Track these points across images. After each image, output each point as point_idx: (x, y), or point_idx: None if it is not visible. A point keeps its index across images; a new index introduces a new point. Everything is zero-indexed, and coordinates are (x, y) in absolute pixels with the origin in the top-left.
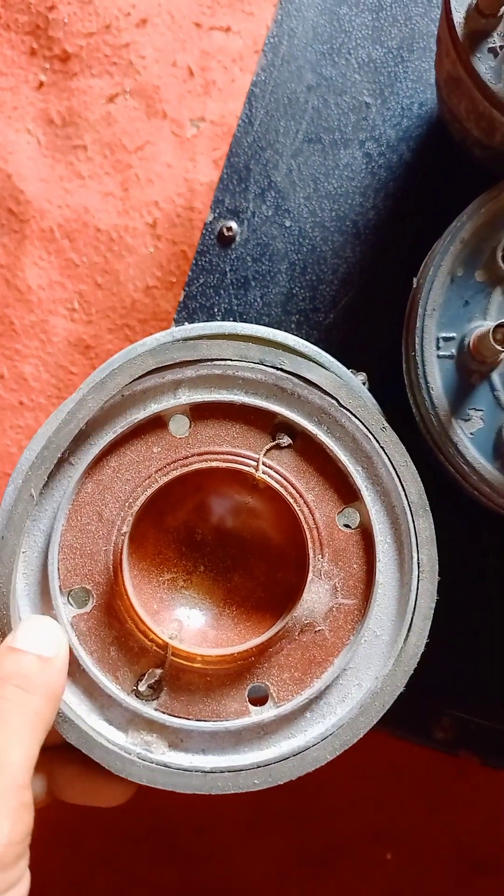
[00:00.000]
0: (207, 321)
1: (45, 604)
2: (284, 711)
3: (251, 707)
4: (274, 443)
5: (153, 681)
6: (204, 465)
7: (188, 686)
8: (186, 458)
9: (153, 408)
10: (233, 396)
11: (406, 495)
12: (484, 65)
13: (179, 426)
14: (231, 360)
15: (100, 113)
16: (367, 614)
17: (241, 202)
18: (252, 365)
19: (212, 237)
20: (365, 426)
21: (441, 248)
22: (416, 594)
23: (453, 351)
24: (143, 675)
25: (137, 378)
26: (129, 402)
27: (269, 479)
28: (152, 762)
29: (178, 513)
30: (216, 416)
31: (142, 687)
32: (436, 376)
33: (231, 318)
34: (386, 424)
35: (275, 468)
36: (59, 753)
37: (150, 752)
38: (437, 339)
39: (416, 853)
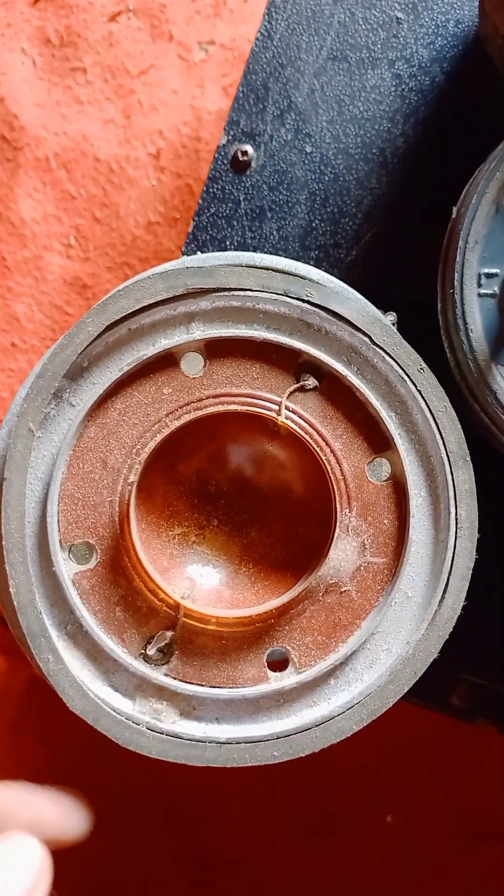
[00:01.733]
0: None
1: (43, 559)
2: (307, 678)
3: (270, 673)
4: (298, 385)
5: (163, 644)
6: (220, 408)
7: (202, 650)
8: (200, 400)
9: (163, 343)
10: (253, 332)
11: (444, 444)
12: None
13: (193, 365)
14: (252, 290)
15: (101, 33)
16: (398, 574)
17: (257, 124)
18: (275, 296)
19: (225, 162)
20: (400, 366)
21: (485, 173)
22: (454, 552)
23: (496, 289)
24: (153, 637)
25: (145, 308)
26: (136, 336)
27: (292, 426)
28: (162, 732)
29: (190, 461)
30: (234, 353)
31: (151, 650)
32: (475, 317)
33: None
34: (424, 365)
35: (299, 413)
36: None
37: (160, 721)
38: (479, 275)
39: (417, 820)
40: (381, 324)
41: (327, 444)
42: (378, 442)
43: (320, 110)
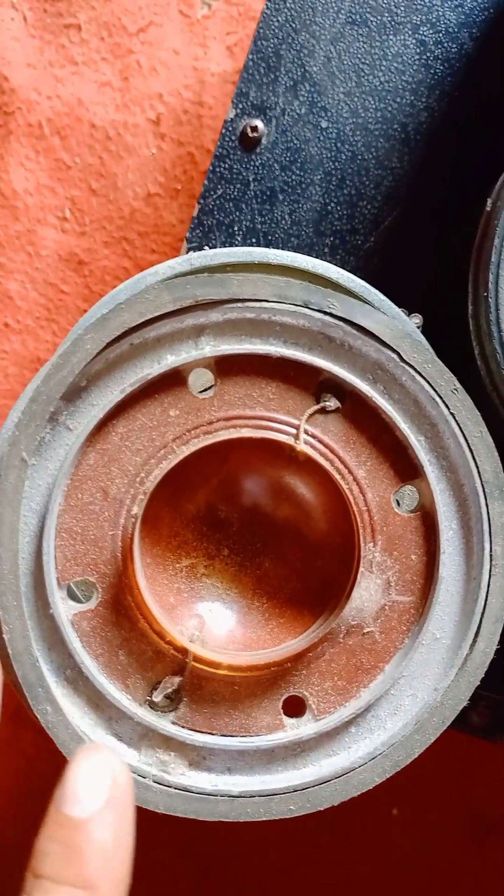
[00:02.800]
0: (226, 241)
1: (39, 599)
2: (326, 727)
3: (286, 719)
4: (318, 406)
5: (170, 690)
6: (232, 434)
7: (212, 696)
8: (210, 423)
9: (170, 360)
10: (268, 347)
11: (479, 473)
12: None
13: (202, 384)
14: (268, 300)
15: None
16: (426, 614)
17: (268, 96)
18: (293, 308)
19: (233, 139)
20: (432, 386)
21: None
22: (487, 592)
23: None
24: (159, 683)
25: (150, 321)
26: (140, 351)
27: (311, 452)
28: (170, 785)
29: (198, 489)
30: (247, 371)
31: (157, 697)
32: None
33: (253, 238)
34: (458, 385)
35: (319, 437)
36: None
37: (168, 773)
38: None
39: (424, 812)
40: (411, 339)
41: (350, 471)
42: (405, 469)
43: (337, 81)
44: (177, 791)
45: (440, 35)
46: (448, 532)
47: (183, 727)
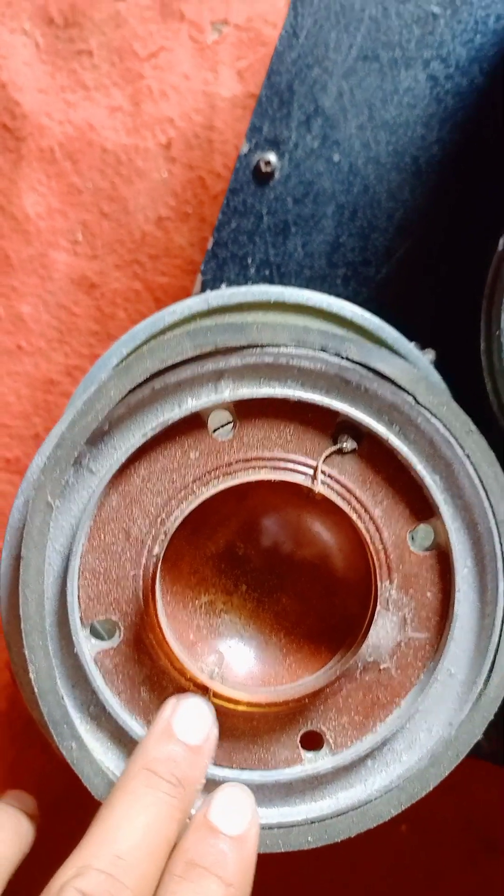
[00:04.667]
0: (240, 273)
1: (63, 638)
2: (343, 761)
3: (304, 753)
4: (336, 447)
5: None
6: (251, 477)
7: (231, 731)
8: (230, 464)
9: (190, 404)
10: (287, 391)
11: (494, 513)
12: None
13: (221, 426)
14: (286, 346)
15: (107, 12)
16: (441, 651)
17: (282, 131)
18: (311, 353)
19: (246, 173)
20: (447, 428)
21: None
22: (501, 630)
23: None
24: None
25: (168, 368)
26: (161, 395)
27: (328, 493)
28: (191, 817)
29: (217, 528)
30: (266, 414)
31: None
32: None
33: (266, 270)
34: (473, 427)
35: (335, 477)
36: None
37: None
38: None
39: (426, 829)
40: (426, 382)
41: (367, 510)
42: (421, 508)
43: (349, 115)
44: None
45: (451, 70)
46: (463, 570)
47: None
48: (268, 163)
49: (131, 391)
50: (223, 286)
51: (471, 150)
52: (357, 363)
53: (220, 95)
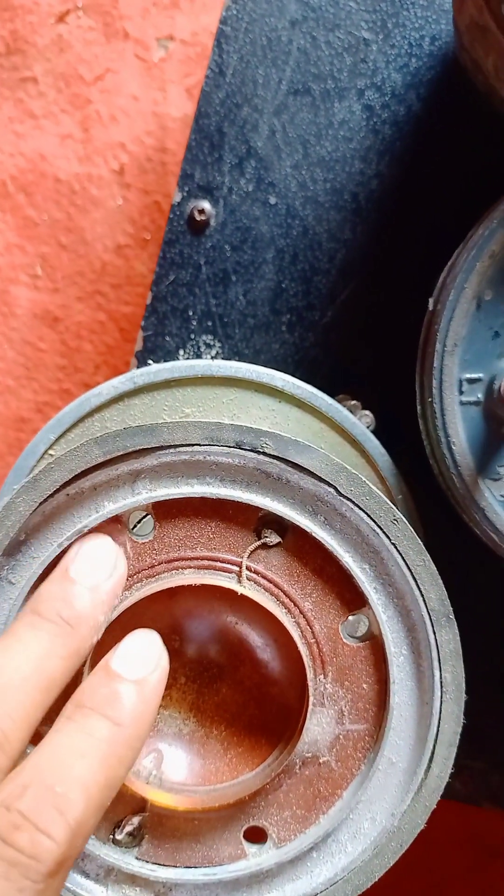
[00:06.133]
0: (182, 327)
1: None
2: (287, 855)
3: (248, 847)
4: (259, 542)
5: (132, 828)
6: (175, 579)
7: (173, 831)
8: (152, 566)
9: (108, 508)
10: (205, 489)
11: (425, 601)
12: None
13: (142, 528)
14: (200, 445)
15: (49, 36)
16: (381, 741)
17: (214, 176)
18: (227, 450)
19: (181, 223)
20: (372, 518)
21: (464, 263)
22: (440, 718)
23: (479, 396)
24: (121, 821)
25: (81, 474)
26: (77, 501)
27: (252, 595)
28: None
29: (150, 626)
30: (186, 513)
31: (119, 835)
32: (458, 428)
33: (209, 321)
34: (398, 516)
35: (262, 573)
36: None
37: None
38: (460, 381)
39: (428, 837)
40: (346, 472)
41: (296, 604)
42: (352, 598)
43: (283, 154)
44: None
45: (387, 98)
46: (399, 658)
47: (147, 861)
48: (202, 211)
49: (44, 502)
50: (167, 339)
51: (411, 181)
52: (275, 457)
53: (170, 116)
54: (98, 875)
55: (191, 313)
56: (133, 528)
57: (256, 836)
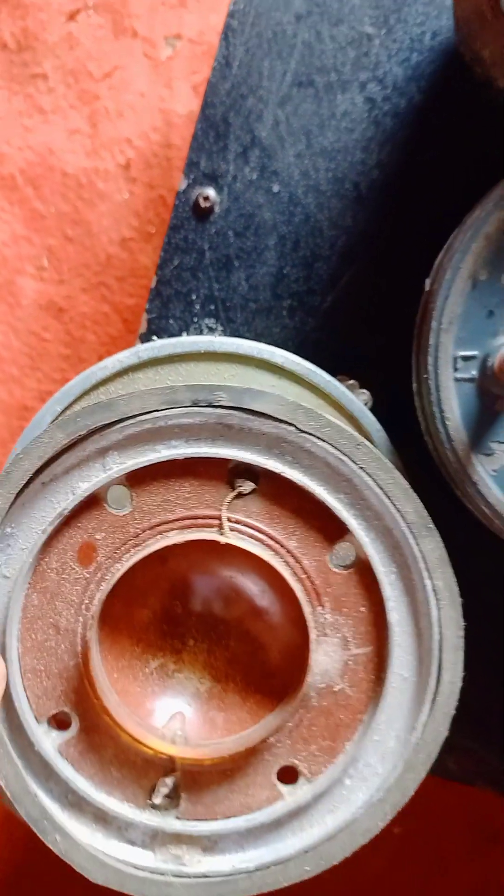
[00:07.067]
0: (185, 310)
1: (22, 740)
2: (321, 787)
3: (282, 788)
4: (235, 492)
5: (168, 790)
6: (161, 542)
7: (208, 784)
8: (137, 535)
9: (82, 488)
10: (172, 451)
11: (403, 516)
12: None
13: (119, 501)
14: (159, 409)
15: (60, 34)
16: (388, 659)
17: (219, 164)
18: (185, 410)
19: (186, 209)
20: (336, 447)
21: (460, 244)
22: (440, 625)
23: (474, 373)
24: (155, 786)
25: (50, 460)
26: (52, 485)
27: (235, 541)
28: (190, 876)
29: (147, 595)
30: (158, 477)
31: (157, 799)
32: (453, 404)
33: (212, 305)
34: (360, 440)
35: (243, 521)
36: None
37: (185, 864)
38: (455, 358)
39: (427, 825)
40: (303, 409)
41: (281, 545)
42: (334, 529)
43: (287, 144)
44: (197, 880)
45: (388, 90)
46: (389, 576)
47: (188, 819)
48: (206, 198)
49: (19, 494)
50: (170, 322)
51: (411, 170)
52: (231, 408)
53: (176, 112)
54: (144, 841)
55: (194, 297)
56: (111, 504)
57: (289, 776)
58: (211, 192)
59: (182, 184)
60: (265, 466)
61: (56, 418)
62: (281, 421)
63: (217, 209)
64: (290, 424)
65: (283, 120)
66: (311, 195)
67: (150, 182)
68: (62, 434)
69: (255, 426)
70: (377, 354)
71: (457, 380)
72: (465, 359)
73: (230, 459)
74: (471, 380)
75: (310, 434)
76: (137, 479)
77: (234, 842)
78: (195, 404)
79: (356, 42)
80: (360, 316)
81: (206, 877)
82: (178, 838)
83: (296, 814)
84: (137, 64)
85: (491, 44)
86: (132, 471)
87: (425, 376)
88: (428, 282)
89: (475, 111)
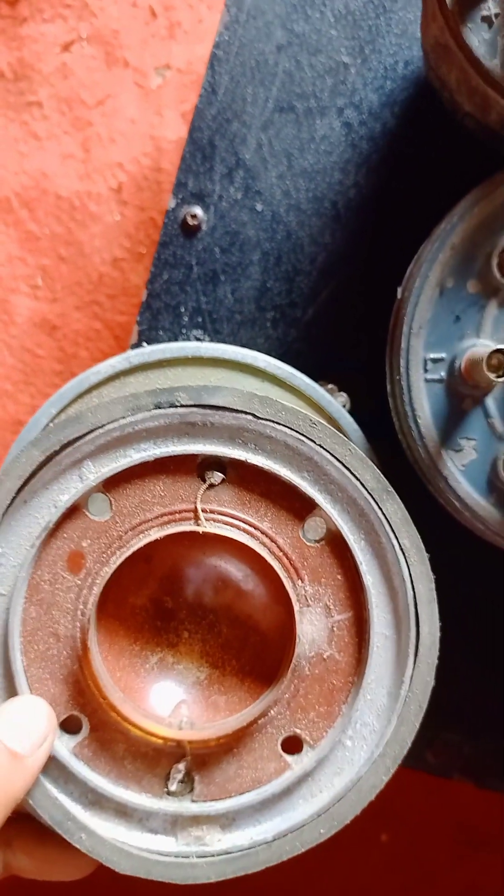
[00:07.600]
0: (174, 322)
1: None
2: (325, 751)
3: (288, 758)
4: (206, 484)
5: (181, 775)
6: (143, 541)
7: (219, 765)
8: (120, 537)
9: (63, 500)
10: (142, 454)
11: (363, 484)
12: (476, 36)
13: (99, 507)
14: (125, 417)
15: (54, 64)
16: (368, 619)
17: (206, 184)
18: (150, 414)
19: (175, 226)
20: (293, 429)
21: (428, 254)
22: (412, 581)
23: (443, 374)
24: (169, 773)
25: (29, 477)
26: (34, 500)
27: (212, 529)
28: (213, 855)
29: (138, 593)
30: (133, 480)
31: (172, 786)
32: (423, 403)
33: (199, 317)
34: (315, 420)
35: (217, 510)
36: (16, 824)
37: (207, 844)
38: (425, 360)
39: (413, 832)
40: (258, 398)
41: (255, 527)
42: (302, 506)
43: (269, 165)
44: (220, 857)
45: (364, 116)
46: (359, 542)
47: (204, 801)
48: (194, 216)
49: (4, 513)
50: (159, 333)
51: (386, 190)
52: (192, 406)
53: (165, 138)
54: (165, 828)
55: (182, 309)
56: (92, 512)
57: (293, 746)
58: (198, 210)
59: (171, 203)
60: (231, 456)
61: (51, 421)
62: (239, 412)
63: (204, 227)
64: (249, 413)
65: (265, 143)
66: (293, 214)
67: (140, 204)
68: (37, 451)
69: (216, 420)
70: (355, 362)
71: (427, 380)
72: (435, 361)
73: (197, 454)
74: (440, 380)
75: (268, 420)
76: (114, 484)
77: (250, 816)
78: (158, 407)
79: (334, 70)
80: (338, 327)
81: (228, 853)
82: (197, 820)
83: (304, 780)
84: (128, 92)
85: (455, 70)
86: (108, 477)
87: (398, 377)
88: (399, 290)
89: (444, 135)
